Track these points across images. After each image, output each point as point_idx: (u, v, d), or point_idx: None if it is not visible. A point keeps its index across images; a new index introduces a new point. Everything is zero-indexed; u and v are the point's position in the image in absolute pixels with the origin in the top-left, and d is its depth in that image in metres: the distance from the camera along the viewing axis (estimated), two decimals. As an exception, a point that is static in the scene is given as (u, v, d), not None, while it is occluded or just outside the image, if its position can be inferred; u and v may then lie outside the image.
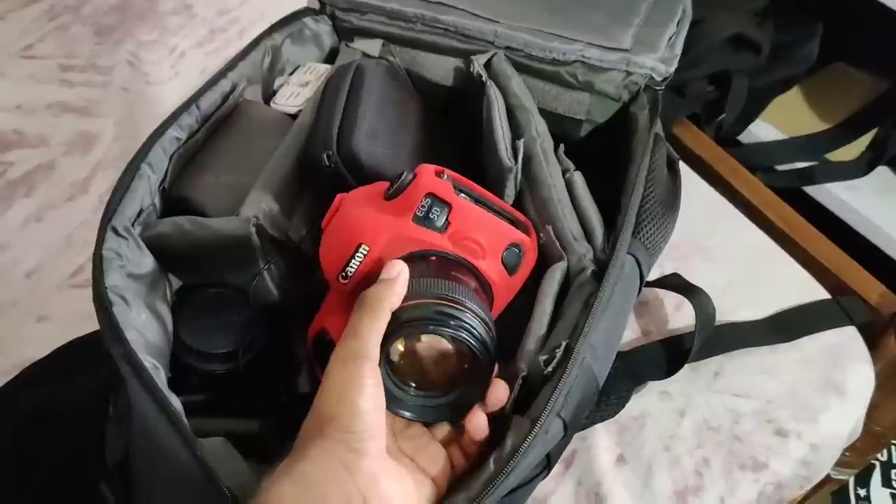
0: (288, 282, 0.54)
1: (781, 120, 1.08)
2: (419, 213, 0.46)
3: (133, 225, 0.50)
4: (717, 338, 0.61)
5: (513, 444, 0.40)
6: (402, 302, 0.42)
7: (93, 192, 0.77)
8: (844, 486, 1.03)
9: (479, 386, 0.42)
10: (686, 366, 0.59)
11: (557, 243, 0.51)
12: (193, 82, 0.88)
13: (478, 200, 0.49)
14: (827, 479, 0.69)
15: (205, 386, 0.51)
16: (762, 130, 1.07)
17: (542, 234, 0.52)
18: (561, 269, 0.50)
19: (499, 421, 0.43)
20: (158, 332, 0.48)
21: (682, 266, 0.63)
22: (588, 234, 0.53)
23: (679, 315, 0.65)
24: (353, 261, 0.45)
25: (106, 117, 0.84)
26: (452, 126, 0.66)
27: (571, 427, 0.42)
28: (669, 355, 0.60)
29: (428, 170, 0.48)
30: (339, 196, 0.49)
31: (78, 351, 0.61)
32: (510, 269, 0.49)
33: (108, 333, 0.43)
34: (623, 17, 0.66)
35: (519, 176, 0.56)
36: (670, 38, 0.66)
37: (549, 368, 0.43)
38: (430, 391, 0.43)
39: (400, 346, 0.43)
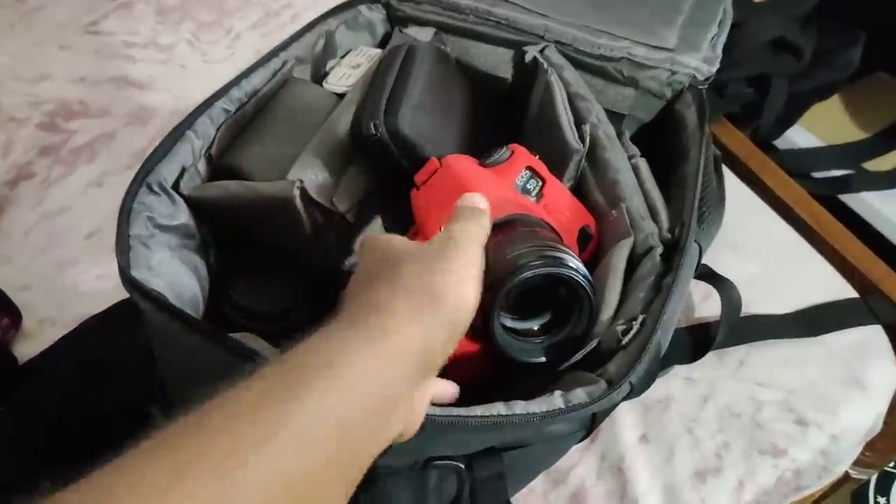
0: (334, 249, 0.57)
1: (820, 127, 1.08)
2: (519, 183, 0.51)
3: (176, 184, 0.53)
4: (742, 328, 0.63)
5: (589, 395, 0.43)
6: (512, 252, 0.43)
7: (150, 161, 0.81)
8: (864, 491, 1.03)
9: (586, 321, 0.45)
10: (711, 354, 0.61)
11: (628, 221, 0.54)
12: (248, 62, 0.90)
13: None
14: (846, 478, 0.71)
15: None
16: (800, 137, 1.07)
17: (613, 212, 0.55)
18: (628, 245, 0.53)
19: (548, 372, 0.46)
20: (189, 279, 0.51)
21: (712, 258, 0.64)
22: (653, 215, 0.55)
23: (706, 304, 0.67)
24: None
25: (164, 92, 0.88)
26: (498, 112, 0.68)
27: (635, 391, 0.45)
28: (695, 341, 0.62)
29: (522, 148, 0.52)
30: (433, 159, 0.52)
31: (132, 306, 0.65)
32: (581, 246, 0.54)
33: (122, 273, 0.46)
34: (667, 16, 0.68)
35: (583, 159, 0.58)
36: (712, 39, 0.68)
37: (626, 339, 0.46)
38: (546, 333, 0.46)
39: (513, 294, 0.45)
